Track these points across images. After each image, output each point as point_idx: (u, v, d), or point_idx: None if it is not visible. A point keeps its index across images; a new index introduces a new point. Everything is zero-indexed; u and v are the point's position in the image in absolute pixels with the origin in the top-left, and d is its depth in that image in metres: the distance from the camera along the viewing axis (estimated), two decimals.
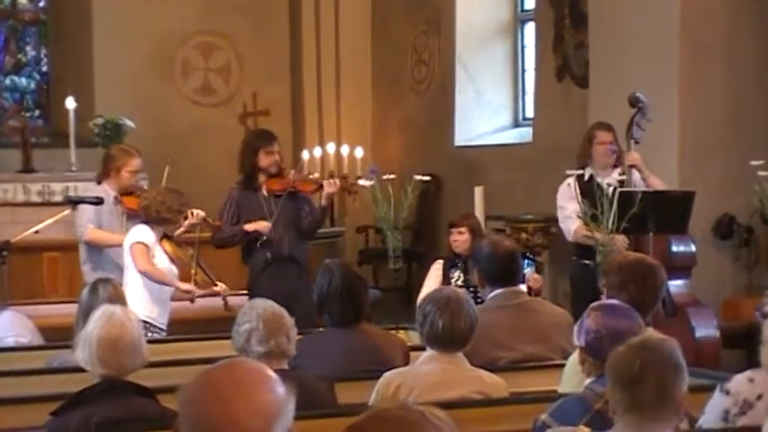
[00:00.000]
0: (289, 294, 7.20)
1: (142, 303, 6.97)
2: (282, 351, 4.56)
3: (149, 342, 5.45)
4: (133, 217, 7.49)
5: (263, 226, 7.92)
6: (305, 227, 8.10)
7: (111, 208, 7.69)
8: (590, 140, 8.01)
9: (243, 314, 4.65)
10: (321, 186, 8.05)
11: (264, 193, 8.02)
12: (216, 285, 7.44)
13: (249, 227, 7.94)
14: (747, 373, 4.12)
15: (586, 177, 7.83)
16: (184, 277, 7.33)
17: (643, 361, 3.38)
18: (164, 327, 7.12)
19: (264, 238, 7.94)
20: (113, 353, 4.25)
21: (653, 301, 5.11)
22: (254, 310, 4.61)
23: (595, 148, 7.95)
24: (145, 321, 6.90)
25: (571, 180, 7.85)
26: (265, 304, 4.69)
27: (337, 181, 8.03)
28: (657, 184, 7.86)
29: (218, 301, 7.49)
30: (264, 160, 8.01)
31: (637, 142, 7.90)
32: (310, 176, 8.13)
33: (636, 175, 7.87)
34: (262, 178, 8.05)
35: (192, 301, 7.27)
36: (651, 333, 3.62)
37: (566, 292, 10.16)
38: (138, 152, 7.91)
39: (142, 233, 7.09)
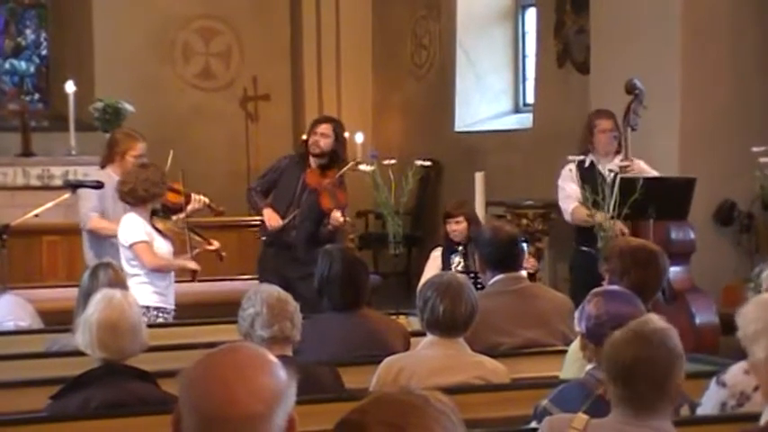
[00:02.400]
0: (286, 280, 7.27)
1: (150, 291, 6.98)
2: (287, 336, 4.55)
3: (152, 326, 5.46)
4: None
5: (273, 223, 8.05)
6: (320, 233, 8.16)
7: (115, 193, 7.66)
8: (590, 128, 7.96)
9: (248, 299, 4.63)
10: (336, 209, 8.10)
11: (306, 179, 8.11)
12: (210, 244, 7.55)
13: (266, 213, 8.13)
14: (742, 364, 4.06)
15: (587, 164, 7.81)
16: (179, 247, 7.40)
17: (636, 355, 3.37)
18: (173, 307, 7.15)
19: (267, 230, 8.14)
20: (113, 336, 4.25)
21: (655, 287, 5.10)
22: (259, 295, 4.60)
23: (597, 136, 7.91)
24: (157, 307, 6.94)
25: (572, 166, 7.84)
26: (270, 289, 4.68)
27: (345, 219, 8.08)
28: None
29: (220, 285, 7.55)
30: (309, 137, 8.17)
31: (634, 129, 7.87)
32: (337, 195, 8.15)
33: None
34: (314, 163, 8.12)
35: (193, 278, 7.33)
36: (647, 320, 3.57)
37: (565, 277, 10.17)
38: (142, 137, 7.89)
39: (136, 229, 7.02)
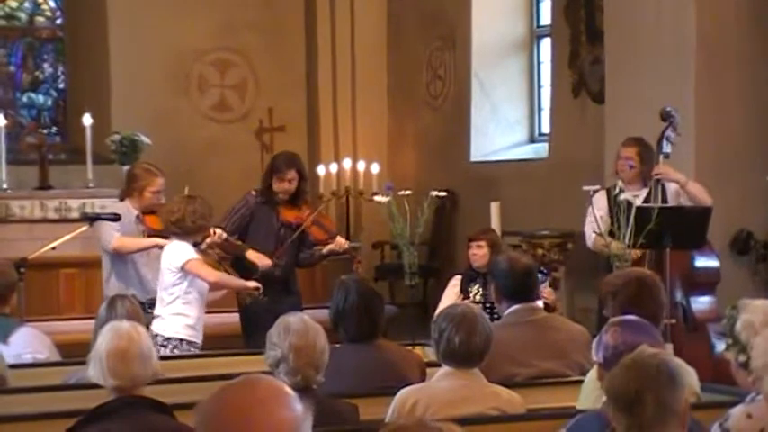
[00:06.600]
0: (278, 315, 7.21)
1: (182, 323, 6.96)
2: (309, 384, 4.49)
3: (167, 358, 5.46)
4: (153, 236, 7.47)
5: (264, 263, 7.86)
6: (301, 260, 8.19)
7: (132, 226, 7.67)
8: (617, 155, 8.07)
9: (277, 333, 4.54)
10: (332, 238, 8.06)
11: (281, 216, 8.03)
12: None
13: (252, 255, 7.86)
14: (742, 408, 4.00)
15: (616, 191, 7.83)
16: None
17: (637, 380, 3.35)
18: (200, 342, 7.09)
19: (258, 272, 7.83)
20: (123, 363, 4.24)
21: (656, 316, 5.02)
22: (288, 338, 4.49)
23: (617, 162, 8.02)
24: (189, 341, 6.92)
25: (602, 193, 7.87)
26: (298, 328, 4.53)
27: (346, 244, 8.10)
28: (697, 191, 7.83)
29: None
30: (276, 185, 8.02)
31: (666, 157, 7.88)
32: (326, 225, 8.17)
33: (671, 186, 7.86)
34: (280, 200, 8.05)
35: (259, 290, 7.27)
36: (641, 349, 3.55)
37: (582, 307, 10.15)
38: (161, 172, 7.86)
39: (185, 249, 6.96)
